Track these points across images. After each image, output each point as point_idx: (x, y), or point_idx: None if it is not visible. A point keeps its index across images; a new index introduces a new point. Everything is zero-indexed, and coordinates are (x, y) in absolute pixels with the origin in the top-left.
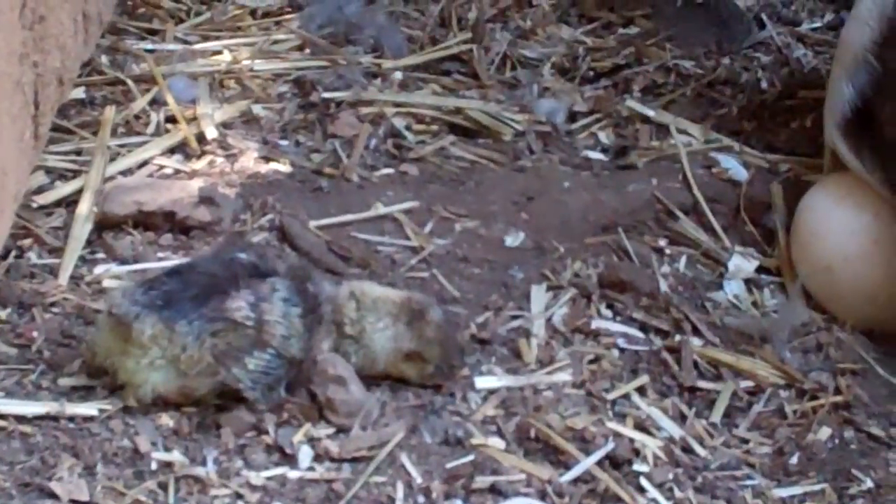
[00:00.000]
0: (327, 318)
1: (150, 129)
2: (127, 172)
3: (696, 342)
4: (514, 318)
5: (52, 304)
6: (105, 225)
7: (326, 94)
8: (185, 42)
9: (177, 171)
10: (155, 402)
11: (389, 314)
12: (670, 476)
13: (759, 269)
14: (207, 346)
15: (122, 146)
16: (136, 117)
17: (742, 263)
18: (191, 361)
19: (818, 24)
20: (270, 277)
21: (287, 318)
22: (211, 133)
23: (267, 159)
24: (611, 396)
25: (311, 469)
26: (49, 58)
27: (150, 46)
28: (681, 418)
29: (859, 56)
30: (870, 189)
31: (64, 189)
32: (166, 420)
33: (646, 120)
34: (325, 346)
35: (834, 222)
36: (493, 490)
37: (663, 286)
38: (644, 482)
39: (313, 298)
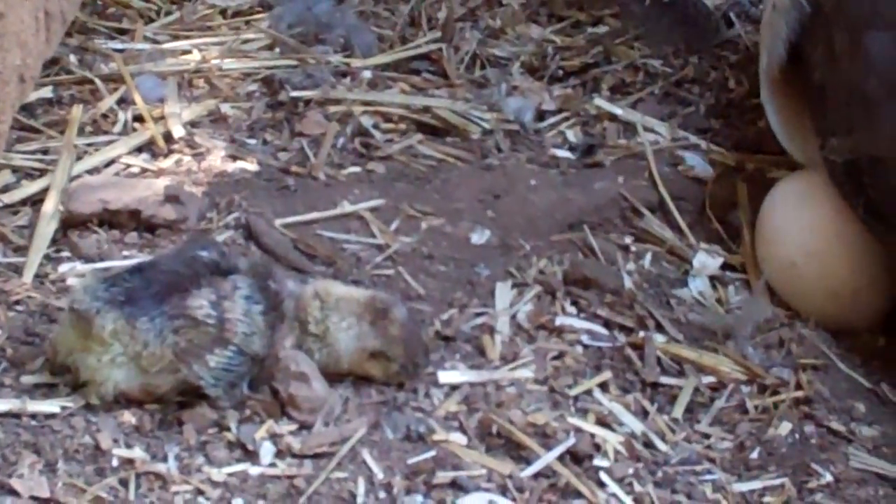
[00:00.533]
0: (289, 315)
1: (118, 128)
2: (94, 171)
3: (659, 339)
4: (479, 315)
5: (17, 303)
6: (70, 223)
7: (295, 93)
8: (155, 41)
9: (143, 170)
10: (117, 400)
11: (353, 313)
12: (630, 471)
13: (724, 266)
14: (169, 344)
15: (89, 145)
16: (104, 116)
17: (707, 260)
18: (152, 359)
19: None
20: (232, 275)
21: (249, 315)
22: (178, 132)
23: (234, 158)
24: (573, 392)
25: (272, 465)
26: (9, 55)
27: (119, 46)
28: (643, 414)
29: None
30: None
31: (30, 188)
32: (128, 417)
33: (613, 118)
34: (288, 344)
35: (797, 219)
36: (454, 485)
37: (628, 283)
38: (604, 477)
39: (275, 296)
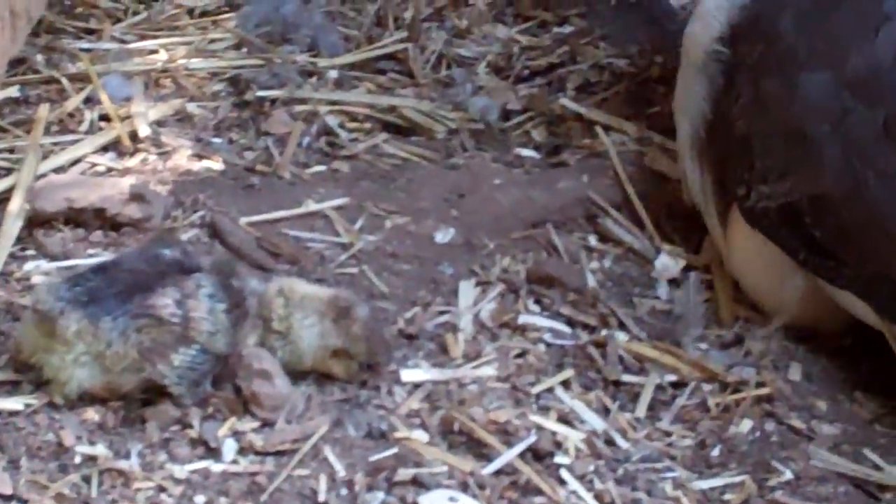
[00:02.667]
0: (252, 312)
1: (84, 127)
2: (60, 170)
3: (621, 337)
4: (442, 313)
5: None
6: (36, 222)
7: (261, 93)
8: (122, 41)
9: (109, 169)
10: (81, 398)
11: (317, 311)
12: (591, 468)
13: (688, 268)
14: (132, 343)
15: (55, 144)
16: (70, 115)
17: (669, 263)
18: (116, 358)
19: None
20: (196, 273)
21: (213, 313)
22: (144, 131)
23: (199, 157)
24: (535, 390)
25: (234, 462)
26: None
27: (86, 45)
28: (604, 411)
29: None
30: None
31: None
32: (91, 414)
33: (579, 118)
34: (251, 342)
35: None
36: (415, 482)
37: (591, 282)
38: (565, 474)
39: (238, 294)
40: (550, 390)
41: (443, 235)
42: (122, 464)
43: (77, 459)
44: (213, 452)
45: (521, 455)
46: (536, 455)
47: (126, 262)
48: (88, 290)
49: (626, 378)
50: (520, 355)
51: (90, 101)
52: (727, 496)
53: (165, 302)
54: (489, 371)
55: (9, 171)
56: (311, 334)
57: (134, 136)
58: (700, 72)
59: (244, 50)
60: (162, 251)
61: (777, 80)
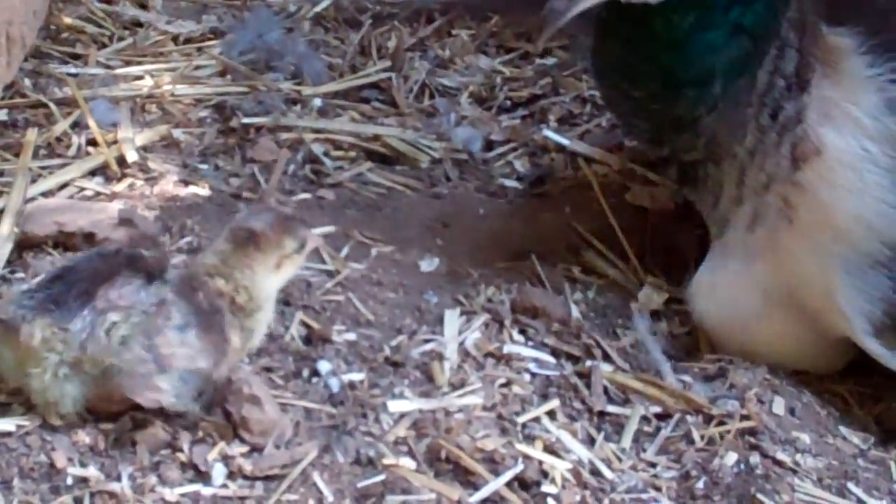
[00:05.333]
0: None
1: (72, 151)
2: (48, 194)
3: (606, 368)
4: (427, 341)
5: None
6: (25, 245)
7: (246, 120)
8: (108, 67)
9: (97, 194)
10: (81, 417)
11: None
12: (577, 498)
13: (669, 300)
14: (108, 337)
15: (43, 168)
16: (58, 140)
17: (651, 295)
18: (94, 361)
19: None
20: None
21: (185, 344)
22: (131, 156)
23: (186, 183)
24: (521, 420)
25: (224, 486)
26: None
27: (72, 70)
28: (590, 441)
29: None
30: None
31: None
32: (83, 436)
33: (561, 149)
34: (236, 339)
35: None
36: None
37: (575, 312)
38: (552, 503)
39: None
40: (536, 420)
41: (428, 264)
42: (114, 486)
43: (69, 481)
44: (203, 476)
45: (508, 484)
46: (523, 484)
47: (80, 264)
48: (49, 296)
49: (611, 409)
50: (505, 385)
51: (77, 125)
52: None
53: (128, 288)
54: (475, 400)
55: None
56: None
57: (121, 161)
58: (874, 265)
59: (229, 77)
60: (115, 249)
61: None
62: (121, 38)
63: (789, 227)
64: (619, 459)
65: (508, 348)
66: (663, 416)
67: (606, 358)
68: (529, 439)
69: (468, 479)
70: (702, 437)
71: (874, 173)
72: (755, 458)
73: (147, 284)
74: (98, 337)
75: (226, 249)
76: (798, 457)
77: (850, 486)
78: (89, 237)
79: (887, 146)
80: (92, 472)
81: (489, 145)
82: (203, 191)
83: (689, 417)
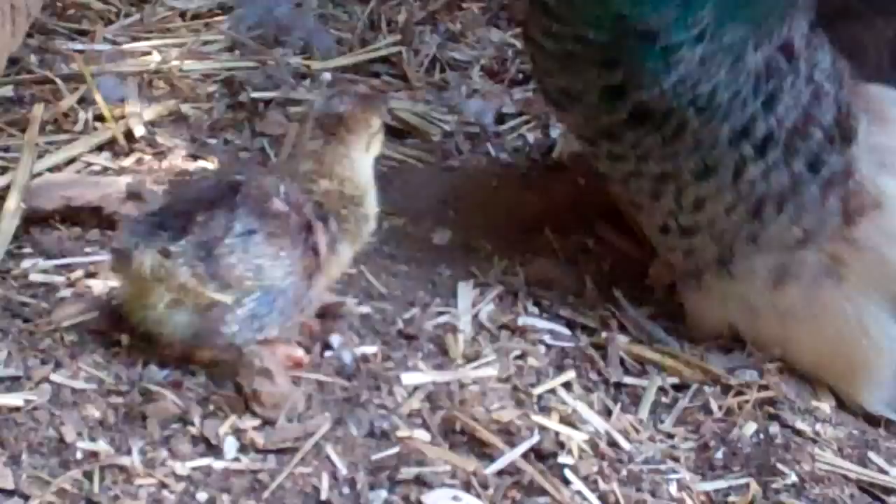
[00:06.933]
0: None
1: (79, 126)
2: (55, 169)
3: (622, 339)
4: (441, 314)
5: None
6: (33, 220)
7: (255, 94)
8: (115, 43)
9: (105, 169)
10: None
11: None
12: (595, 469)
13: None
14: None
15: (50, 143)
16: (65, 115)
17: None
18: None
19: None
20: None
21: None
22: (139, 131)
23: (195, 157)
24: (536, 391)
25: (236, 460)
26: None
27: (79, 46)
28: (606, 413)
29: None
30: None
31: None
32: (92, 410)
33: None
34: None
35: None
36: (418, 481)
37: (589, 284)
38: (569, 474)
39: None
40: (552, 391)
41: (440, 237)
42: (124, 460)
43: (78, 455)
44: (214, 450)
45: (524, 455)
46: (539, 455)
47: (183, 194)
48: (156, 224)
49: (628, 380)
50: (520, 357)
51: (84, 101)
52: (731, 498)
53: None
54: (490, 372)
55: (4, 170)
56: None
57: (129, 136)
58: None
59: (237, 52)
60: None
61: None
62: (127, 15)
63: (836, 287)
64: (637, 431)
65: (523, 320)
66: (681, 387)
67: (622, 329)
68: (545, 411)
69: (483, 451)
70: (720, 408)
71: None
72: (774, 428)
73: (244, 212)
74: (194, 266)
75: (317, 147)
76: (818, 426)
77: (871, 455)
78: (97, 211)
79: None
80: (101, 446)
81: (501, 118)
82: (212, 165)
83: (706, 388)
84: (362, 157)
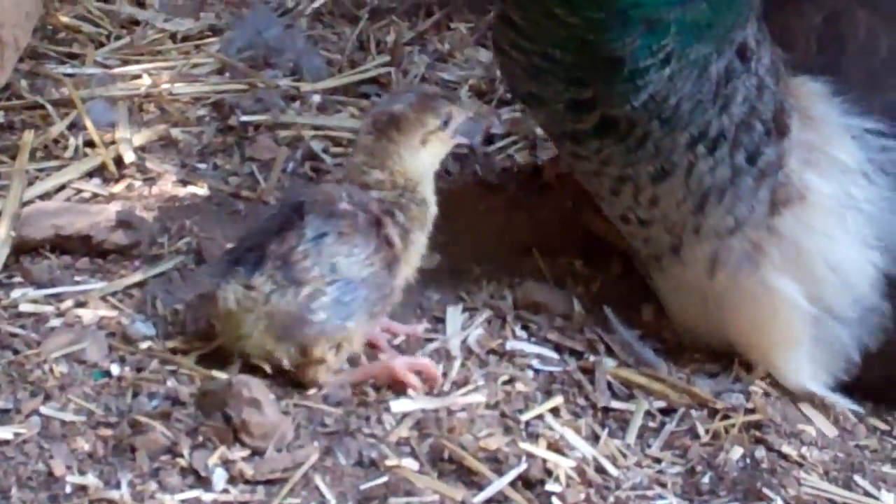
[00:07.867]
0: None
1: (69, 153)
2: (45, 196)
3: (609, 363)
4: (430, 339)
5: None
6: (22, 249)
7: (245, 118)
8: (105, 66)
9: (95, 195)
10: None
11: None
12: (582, 496)
13: None
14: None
15: (40, 170)
16: (55, 141)
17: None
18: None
19: None
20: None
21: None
22: (129, 157)
23: (185, 183)
24: (524, 417)
25: (225, 491)
26: None
27: (69, 71)
28: (594, 438)
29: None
30: None
31: None
32: (81, 443)
33: None
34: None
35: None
36: None
37: (577, 307)
38: (556, 502)
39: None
40: (540, 417)
41: (429, 261)
42: (113, 494)
43: (68, 489)
44: (204, 482)
45: (512, 483)
46: (527, 483)
47: (253, 227)
48: (233, 260)
49: (615, 404)
50: (508, 382)
51: (75, 126)
52: None
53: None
54: (478, 398)
55: None
56: None
57: (119, 162)
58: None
59: (227, 75)
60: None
61: None
62: (118, 37)
63: (754, 273)
64: (624, 456)
65: (511, 345)
66: (667, 411)
67: (609, 353)
68: (533, 437)
69: (472, 480)
70: (707, 432)
71: (856, 220)
72: (761, 452)
73: (312, 218)
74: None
75: (368, 141)
76: (804, 449)
77: (857, 478)
78: (87, 240)
79: (872, 192)
80: (91, 479)
81: (490, 139)
82: (202, 190)
83: (693, 412)
84: (414, 152)
